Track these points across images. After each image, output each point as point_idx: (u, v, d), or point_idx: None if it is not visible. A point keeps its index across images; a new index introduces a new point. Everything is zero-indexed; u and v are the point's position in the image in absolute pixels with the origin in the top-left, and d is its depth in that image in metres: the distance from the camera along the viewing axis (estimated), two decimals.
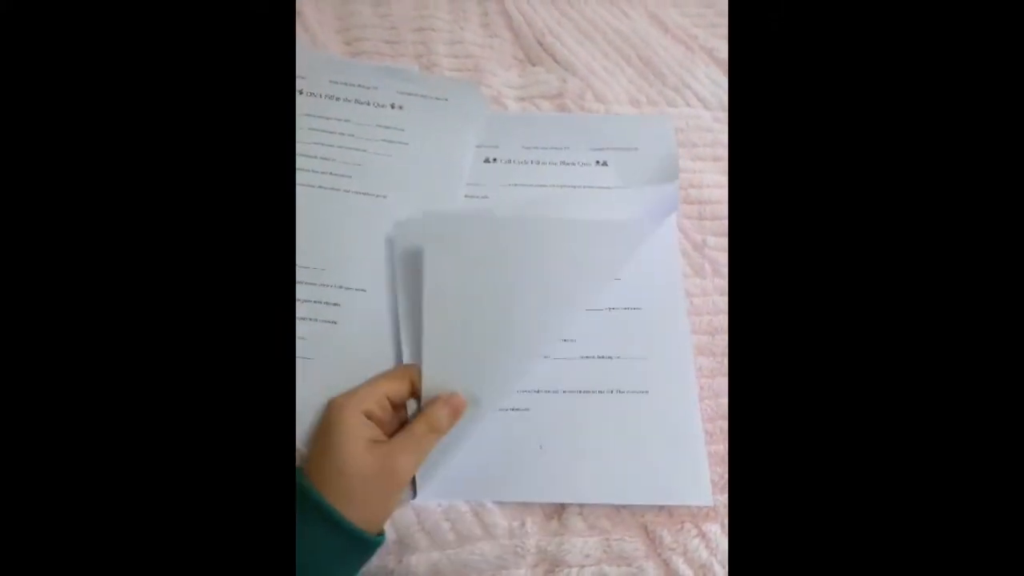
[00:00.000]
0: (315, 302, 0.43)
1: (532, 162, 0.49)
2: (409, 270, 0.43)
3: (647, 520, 0.39)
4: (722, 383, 0.43)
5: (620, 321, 0.44)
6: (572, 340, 0.43)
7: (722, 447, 0.41)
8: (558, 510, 0.39)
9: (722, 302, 0.45)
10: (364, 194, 0.47)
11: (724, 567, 0.38)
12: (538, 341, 0.41)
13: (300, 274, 0.44)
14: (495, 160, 0.50)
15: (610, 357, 0.43)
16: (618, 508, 0.39)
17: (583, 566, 0.37)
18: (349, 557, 0.34)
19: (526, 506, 0.39)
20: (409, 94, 0.52)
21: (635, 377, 0.42)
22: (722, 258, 0.47)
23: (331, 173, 0.47)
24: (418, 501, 0.39)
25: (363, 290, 0.44)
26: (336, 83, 0.51)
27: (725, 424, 0.41)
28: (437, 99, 0.52)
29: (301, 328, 0.42)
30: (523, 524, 0.38)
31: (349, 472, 0.34)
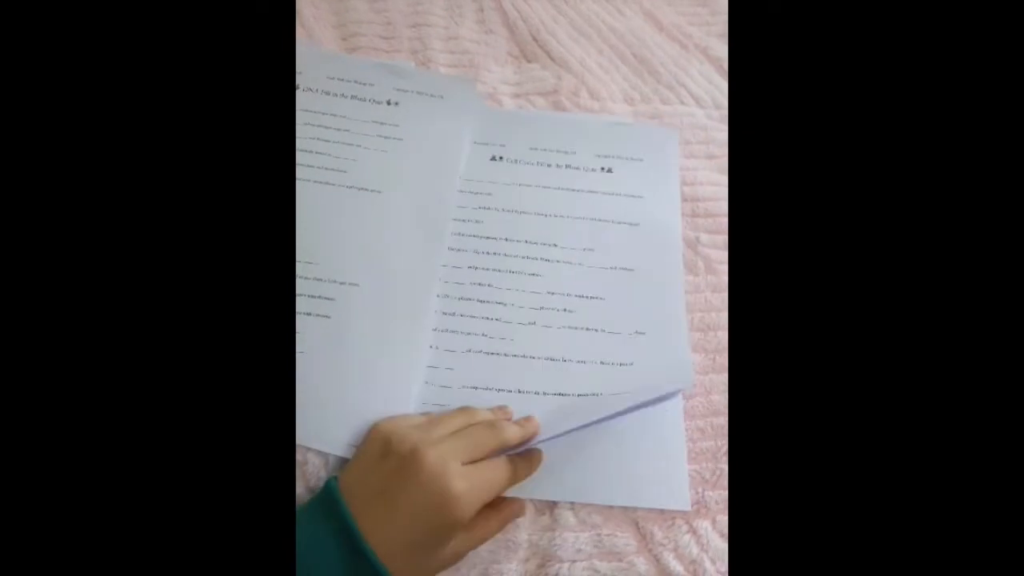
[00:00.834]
0: (308, 296, 0.43)
1: (538, 163, 0.50)
2: None
3: (638, 516, 0.39)
4: (715, 379, 0.43)
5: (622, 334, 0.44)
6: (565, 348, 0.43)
7: (712, 443, 0.41)
8: (550, 505, 0.39)
9: (715, 299, 0.46)
10: (358, 189, 0.47)
11: (714, 563, 0.38)
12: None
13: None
14: (502, 159, 0.50)
15: (601, 362, 0.43)
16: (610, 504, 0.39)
17: (574, 561, 0.37)
18: None
19: None
20: (405, 90, 0.52)
21: (624, 382, 0.42)
22: (715, 255, 0.47)
23: (325, 168, 0.47)
24: None
25: (356, 284, 0.44)
26: (332, 79, 0.51)
27: (716, 420, 0.42)
28: (432, 96, 0.52)
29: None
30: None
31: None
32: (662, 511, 0.39)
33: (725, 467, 0.40)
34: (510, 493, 0.38)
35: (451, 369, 0.42)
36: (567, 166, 0.50)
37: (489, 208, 0.48)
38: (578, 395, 0.42)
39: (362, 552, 0.31)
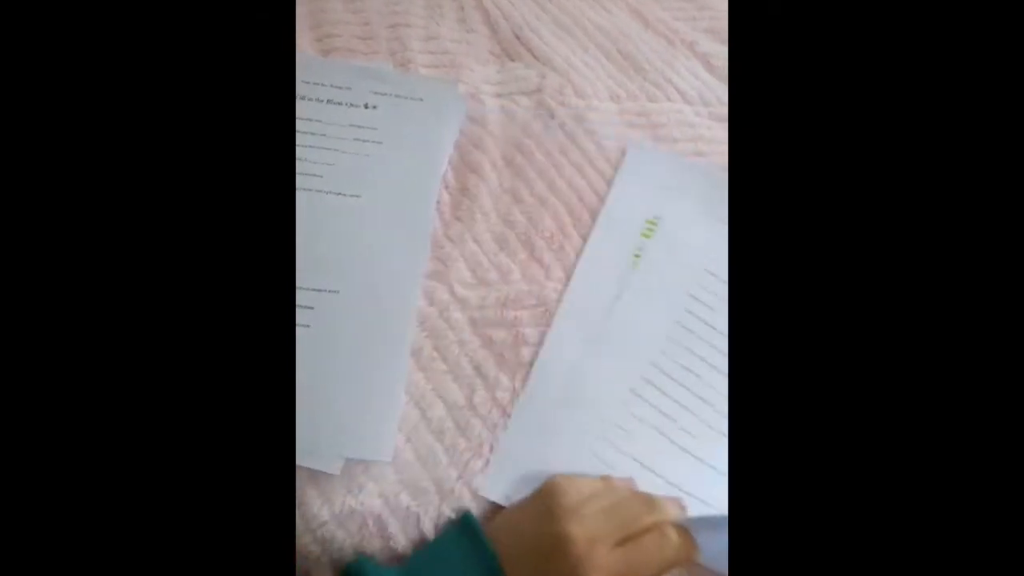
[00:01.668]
0: None
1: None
2: None
3: None
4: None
5: None
6: None
7: None
8: None
9: None
10: (336, 194, 0.45)
11: None
12: None
13: None
14: None
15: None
16: None
17: None
18: None
19: None
20: (383, 94, 0.50)
21: None
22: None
23: (301, 173, 0.46)
24: None
25: (336, 292, 0.42)
26: (308, 83, 0.50)
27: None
28: (412, 99, 0.50)
29: None
30: None
31: None
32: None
33: None
34: None
35: (630, 435, 0.42)
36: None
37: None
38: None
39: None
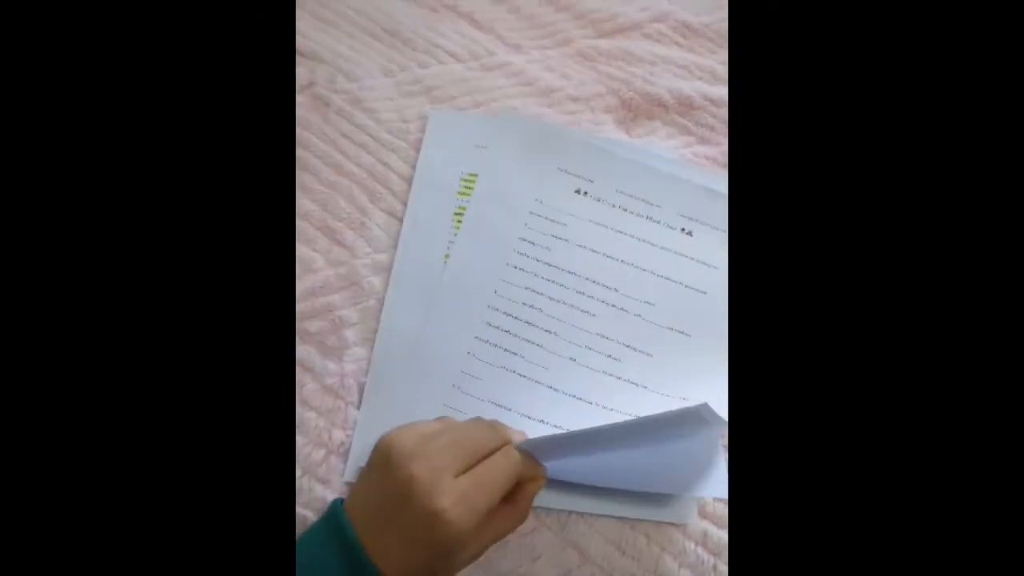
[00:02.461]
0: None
1: (621, 208, 0.48)
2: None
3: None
4: None
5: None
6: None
7: None
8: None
9: None
10: None
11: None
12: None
13: None
14: (586, 194, 0.48)
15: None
16: None
17: None
18: None
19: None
20: None
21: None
22: None
23: None
24: None
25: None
26: None
27: None
28: None
29: None
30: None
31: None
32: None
33: None
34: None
35: (480, 380, 0.42)
36: (648, 217, 0.47)
37: (560, 237, 0.46)
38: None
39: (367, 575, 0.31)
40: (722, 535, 0.39)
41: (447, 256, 0.46)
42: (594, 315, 0.44)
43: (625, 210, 0.48)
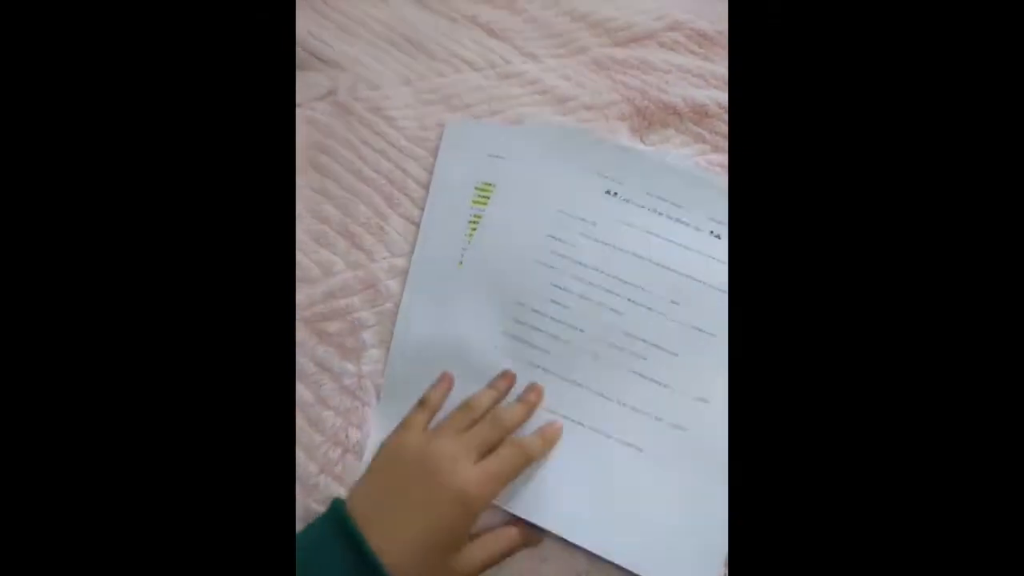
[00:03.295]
0: None
1: (650, 209, 0.49)
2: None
3: None
4: None
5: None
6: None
7: None
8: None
9: None
10: None
11: None
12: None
13: None
14: (616, 195, 0.49)
15: (656, 418, 0.43)
16: None
17: None
18: None
19: None
20: None
21: (671, 445, 0.42)
22: None
23: None
24: None
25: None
26: None
27: None
28: None
29: None
30: None
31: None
32: None
33: None
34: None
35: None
36: (677, 220, 0.48)
37: (589, 236, 0.47)
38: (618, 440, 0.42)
39: (372, 565, 0.31)
40: None
41: (461, 263, 0.47)
42: (621, 313, 0.45)
43: (655, 212, 0.48)
